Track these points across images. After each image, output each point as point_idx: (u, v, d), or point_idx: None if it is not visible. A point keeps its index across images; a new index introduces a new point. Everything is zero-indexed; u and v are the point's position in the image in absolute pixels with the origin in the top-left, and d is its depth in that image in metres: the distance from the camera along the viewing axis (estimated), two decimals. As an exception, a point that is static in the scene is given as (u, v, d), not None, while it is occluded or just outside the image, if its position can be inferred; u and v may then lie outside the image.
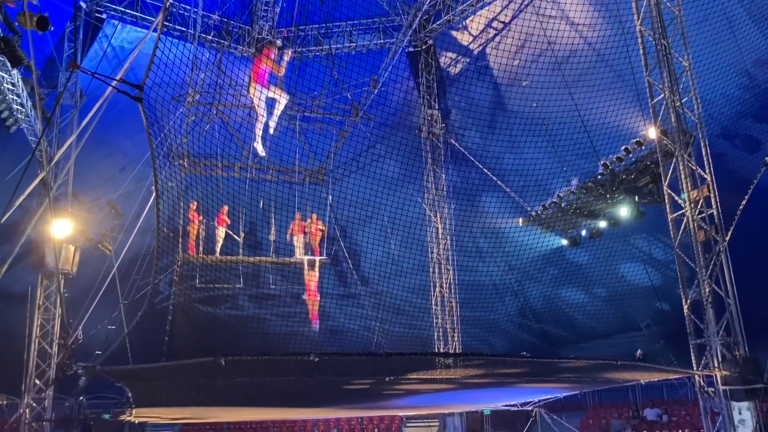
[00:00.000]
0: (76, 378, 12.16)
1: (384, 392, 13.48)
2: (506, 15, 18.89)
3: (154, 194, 15.16)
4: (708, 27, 15.44)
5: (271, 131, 16.02)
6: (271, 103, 15.16)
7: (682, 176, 12.82)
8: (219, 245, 19.38)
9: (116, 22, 18.00)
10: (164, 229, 15.31)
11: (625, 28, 15.08)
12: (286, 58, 15.41)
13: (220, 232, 19.21)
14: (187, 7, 18.00)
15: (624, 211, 16.05)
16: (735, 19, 15.92)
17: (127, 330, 13.47)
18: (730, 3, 15.64)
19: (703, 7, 15.07)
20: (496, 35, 19.30)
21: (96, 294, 15.57)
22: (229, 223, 19.43)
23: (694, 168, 12.84)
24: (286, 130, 20.60)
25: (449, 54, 20.81)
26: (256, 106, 14.93)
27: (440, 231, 21.12)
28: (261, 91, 14.49)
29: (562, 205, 18.24)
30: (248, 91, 15.06)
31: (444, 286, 20.82)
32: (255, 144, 15.93)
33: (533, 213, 19.27)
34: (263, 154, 16.64)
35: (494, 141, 19.29)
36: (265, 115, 15.26)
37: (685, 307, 12.68)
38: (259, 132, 15.54)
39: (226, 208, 19.60)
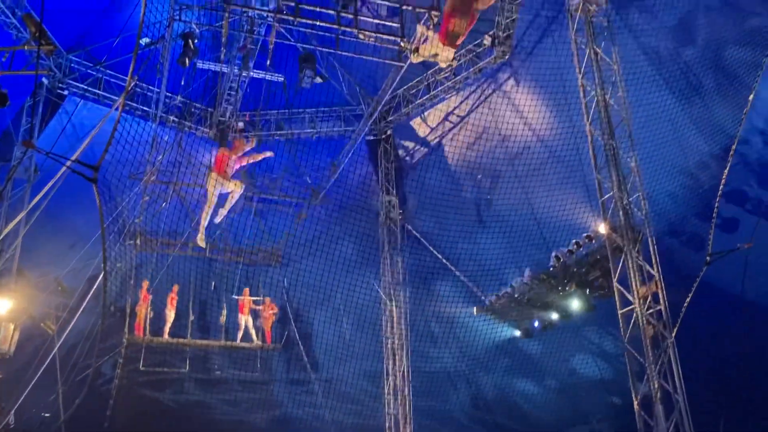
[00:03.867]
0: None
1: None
2: (462, 109, 19.56)
3: (102, 273, 14.87)
4: (654, 128, 16.22)
5: (217, 220, 15.03)
6: (225, 195, 14.45)
7: (631, 272, 13.09)
8: (168, 326, 18.87)
9: (78, 99, 18.00)
10: (111, 308, 14.86)
11: (575, 128, 15.72)
12: (251, 145, 15.06)
13: (170, 314, 18.75)
14: (151, 87, 18.14)
15: (575, 304, 16.23)
16: (678, 123, 16.78)
17: (63, 418, 12.83)
18: (673, 108, 16.52)
19: (649, 110, 15.87)
20: (452, 128, 19.92)
21: (33, 375, 14.87)
22: (176, 301, 19.06)
23: (642, 264, 13.15)
24: (242, 211, 20.55)
25: (407, 143, 21.32)
26: (211, 195, 14.22)
27: (395, 317, 20.94)
28: (221, 183, 13.88)
29: (516, 295, 18.40)
30: (206, 181, 14.23)
31: (398, 374, 20.46)
32: (197, 238, 14.99)
33: (488, 302, 19.37)
34: (203, 245, 15.63)
35: (449, 228, 19.58)
36: (213, 205, 14.47)
37: (635, 402, 12.68)
38: (204, 221, 14.64)
39: (176, 287, 19.23)
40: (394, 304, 20.88)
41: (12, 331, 15.69)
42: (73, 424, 14.86)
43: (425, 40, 10.95)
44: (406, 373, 20.28)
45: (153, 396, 20.53)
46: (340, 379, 20.50)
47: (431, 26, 11.75)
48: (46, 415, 15.52)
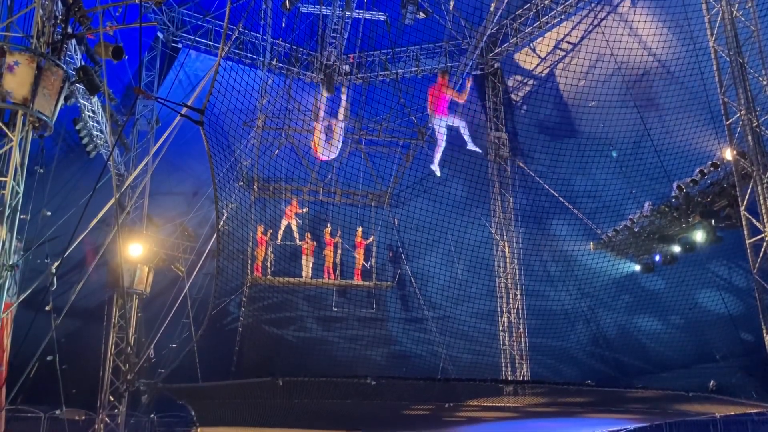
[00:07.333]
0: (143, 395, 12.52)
1: (445, 418, 13.27)
2: (574, 36, 18.57)
3: (224, 216, 15.67)
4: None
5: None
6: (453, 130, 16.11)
7: (761, 199, 12.19)
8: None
9: (191, 51, 18.69)
10: (229, 248, 15.67)
11: (698, 46, 14.56)
12: (468, 84, 16.06)
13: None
14: (258, 35, 18.53)
15: (700, 236, 15.40)
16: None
17: (193, 342, 13.77)
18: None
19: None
20: (564, 57, 18.99)
21: (168, 313, 16.03)
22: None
23: (773, 190, 12.17)
24: (351, 154, 20.85)
25: (516, 76, 20.60)
26: (437, 134, 16.23)
27: (508, 255, 20.72)
28: (442, 120, 15.76)
29: (635, 229, 17.64)
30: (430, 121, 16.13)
31: (512, 312, 20.36)
32: (433, 166, 17.12)
33: (604, 237, 18.69)
34: (439, 174, 17.50)
35: (563, 163, 18.86)
36: (443, 143, 16.35)
37: (766, 337, 11.97)
38: (437, 157, 16.80)
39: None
40: (506, 242, 20.64)
41: (147, 272, 17.01)
42: (207, 361, 15.88)
43: None
44: (520, 311, 20.15)
45: (277, 333, 21.64)
46: (455, 317, 20.64)
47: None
48: (174, 345, 16.66)
